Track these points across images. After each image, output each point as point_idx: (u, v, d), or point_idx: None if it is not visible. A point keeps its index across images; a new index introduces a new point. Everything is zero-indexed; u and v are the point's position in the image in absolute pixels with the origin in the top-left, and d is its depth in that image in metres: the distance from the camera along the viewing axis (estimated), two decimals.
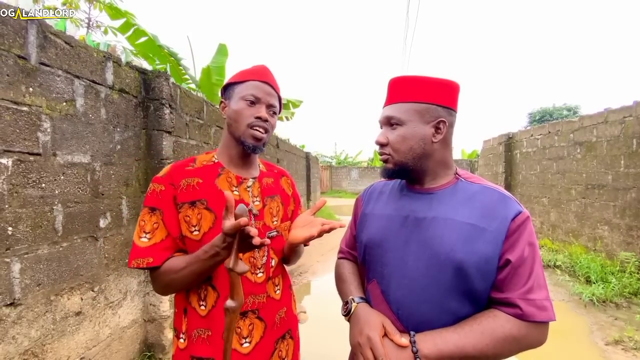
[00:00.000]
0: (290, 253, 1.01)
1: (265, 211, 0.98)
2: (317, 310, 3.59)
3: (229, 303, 0.73)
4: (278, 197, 1.04)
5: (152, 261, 0.85)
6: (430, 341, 0.72)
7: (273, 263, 0.98)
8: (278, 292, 1.00)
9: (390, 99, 0.85)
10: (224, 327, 0.74)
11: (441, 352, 0.70)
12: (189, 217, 0.89)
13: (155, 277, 0.88)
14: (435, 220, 0.79)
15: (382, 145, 0.85)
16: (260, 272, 0.94)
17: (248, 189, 0.97)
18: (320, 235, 0.91)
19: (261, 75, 0.98)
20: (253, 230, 0.71)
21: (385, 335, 0.75)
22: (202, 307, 0.90)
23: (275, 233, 0.99)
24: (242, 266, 0.73)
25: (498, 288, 0.74)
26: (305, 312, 3.46)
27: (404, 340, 0.73)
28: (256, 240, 0.72)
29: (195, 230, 0.89)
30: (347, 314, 0.86)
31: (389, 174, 0.86)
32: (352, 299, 0.87)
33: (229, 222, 0.71)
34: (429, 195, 0.84)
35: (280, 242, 1.01)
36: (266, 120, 0.94)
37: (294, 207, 1.10)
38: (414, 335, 0.74)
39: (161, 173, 0.93)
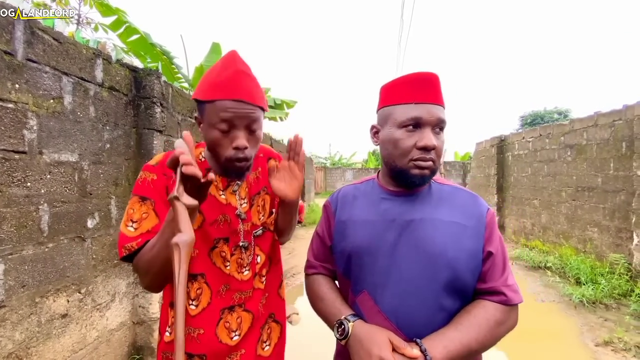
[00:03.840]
0: (282, 217, 0.98)
1: (252, 211, 0.96)
2: (310, 311, 3.56)
3: (176, 238, 0.62)
4: (264, 190, 1.00)
5: (140, 240, 0.80)
6: (440, 346, 0.71)
7: (259, 260, 0.97)
8: (264, 282, 1.00)
9: (436, 99, 0.79)
10: (173, 264, 0.61)
11: (451, 354, 0.70)
12: None
13: (136, 263, 0.80)
14: (424, 221, 0.80)
15: (430, 149, 0.77)
16: (246, 270, 0.93)
17: (235, 193, 0.93)
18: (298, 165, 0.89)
19: (232, 90, 0.79)
20: (193, 170, 0.63)
21: (394, 350, 0.71)
22: (192, 307, 0.89)
23: (261, 231, 0.97)
24: (188, 199, 0.65)
25: (482, 279, 0.79)
26: (297, 314, 3.44)
27: (416, 351, 0.70)
28: (198, 176, 0.63)
29: None
30: (344, 336, 0.77)
31: (427, 181, 0.81)
32: (347, 319, 0.79)
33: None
34: (410, 197, 0.84)
35: (267, 239, 0.99)
36: (246, 148, 0.83)
37: None
38: (422, 344, 0.71)
39: (153, 161, 0.87)
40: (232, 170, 0.87)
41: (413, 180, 0.79)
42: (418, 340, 0.72)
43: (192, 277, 0.88)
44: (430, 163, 0.77)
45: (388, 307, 0.78)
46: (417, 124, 0.77)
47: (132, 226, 0.81)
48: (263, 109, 0.87)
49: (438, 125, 0.79)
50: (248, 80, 0.83)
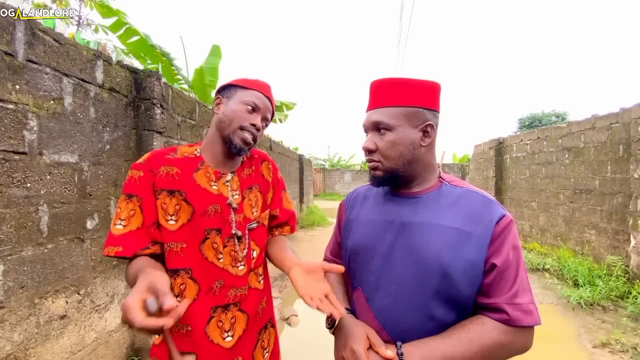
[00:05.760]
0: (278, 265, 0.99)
1: (244, 203, 0.98)
2: (308, 313, 3.56)
3: None
4: (256, 187, 1.04)
5: (121, 250, 0.85)
6: (417, 352, 0.69)
7: (254, 254, 0.98)
8: (261, 281, 1.00)
9: (376, 103, 0.82)
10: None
11: None
12: (166, 204, 0.89)
13: (126, 270, 0.87)
14: (422, 225, 0.77)
15: (370, 151, 0.82)
16: (241, 264, 0.94)
17: (227, 184, 0.97)
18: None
19: (266, 89, 1.01)
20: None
21: (371, 347, 0.72)
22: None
23: (255, 225, 0.99)
24: None
25: (484, 293, 0.73)
26: (296, 316, 3.44)
27: (390, 352, 0.69)
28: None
29: (171, 219, 0.89)
30: (332, 326, 0.82)
31: (379, 182, 0.83)
32: None
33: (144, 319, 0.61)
34: (414, 200, 0.82)
35: (262, 233, 1.02)
36: (258, 130, 0.96)
37: (273, 194, 1.09)
38: (400, 347, 0.71)
39: (140, 160, 0.93)
40: (238, 140, 0.94)
41: (372, 182, 0.86)
42: (398, 343, 0.72)
43: (174, 272, 0.88)
44: (373, 164, 0.82)
45: (377, 307, 0.79)
46: (365, 131, 0.85)
47: (120, 224, 0.87)
48: (269, 122, 1.04)
49: (376, 128, 0.81)
50: (272, 99, 1.04)
